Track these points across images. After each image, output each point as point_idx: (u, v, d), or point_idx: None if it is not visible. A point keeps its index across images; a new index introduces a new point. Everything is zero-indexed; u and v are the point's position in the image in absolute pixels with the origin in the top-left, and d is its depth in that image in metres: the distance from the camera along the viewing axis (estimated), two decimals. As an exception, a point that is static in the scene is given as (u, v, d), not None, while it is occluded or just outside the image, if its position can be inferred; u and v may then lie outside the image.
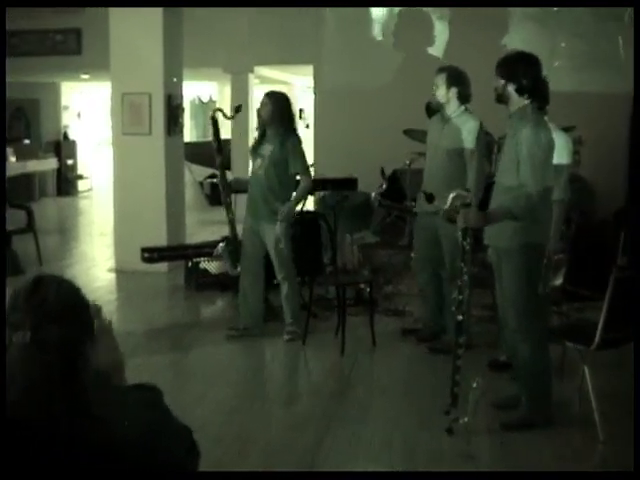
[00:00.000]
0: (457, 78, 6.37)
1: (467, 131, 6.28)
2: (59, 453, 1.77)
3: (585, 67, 11.04)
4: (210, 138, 7.34)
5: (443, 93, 6.35)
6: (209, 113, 7.65)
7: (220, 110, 7.42)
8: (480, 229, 4.99)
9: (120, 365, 2.13)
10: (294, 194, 6.81)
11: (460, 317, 4.88)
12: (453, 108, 6.38)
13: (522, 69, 4.85)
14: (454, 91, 6.32)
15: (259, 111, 6.86)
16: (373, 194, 7.35)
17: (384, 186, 7.75)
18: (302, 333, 6.84)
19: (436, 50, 11.85)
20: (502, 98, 4.94)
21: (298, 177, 6.83)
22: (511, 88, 4.85)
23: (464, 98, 6.38)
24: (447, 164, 6.32)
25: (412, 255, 7.08)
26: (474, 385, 4.77)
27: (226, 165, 8.37)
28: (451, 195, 4.79)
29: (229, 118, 7.51)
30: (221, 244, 7.42)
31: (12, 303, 1.87)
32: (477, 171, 6.22)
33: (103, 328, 2.06)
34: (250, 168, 7.21)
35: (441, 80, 6.36)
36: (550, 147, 4.80)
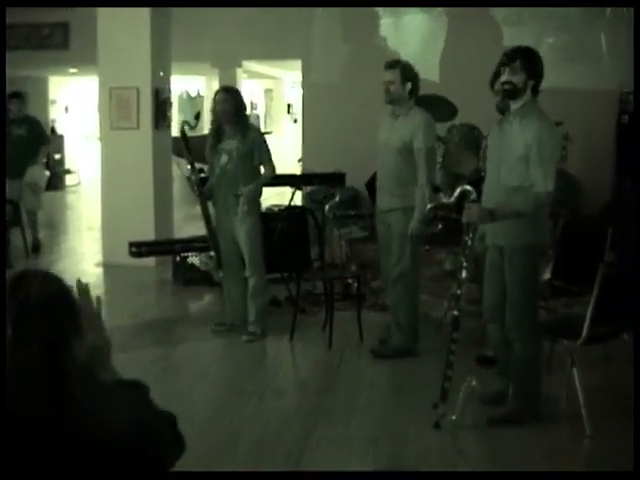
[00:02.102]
0: (411, 73, 6.17)
1: (417, 128, 6.06)
2: (47, 450, 1.76)
3: (567, 62, 11.05)
4: (198, 133, 7.33)
5: (398, 89, 6.12)
6: (196, 110, 7.66)
7: (186, 122, 7.39)
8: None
9: (107, 348, 2.13)
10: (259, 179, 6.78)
11: (456, 313, 4.89)
12: (405, 104, 6.18)
13: (541, 66, 4.80)
14: (408, 86, 6.13)
15: (216, 107, 6.79)
16: (327, 207, 7.26)
17: (337, 198, 7.70)
18: (262, 333, 6.85)
19: (427, 46, 11.85)
20: (518, 93, 4.77)
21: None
22: (530, 84, 4.74)
23: (414, 93, 6.20)
24: (398, 162, 6.13)
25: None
26: (465, 383, 4.78)
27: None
28: (457, 190, 4.78)
29: (193, 128, 7.48)
30: (207, 254, 7.40)
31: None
32: (427, 169, 6.03)
33: (88, 309, 2.06)
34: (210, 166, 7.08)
35: (394, 75, 6.12)
36: (559, 145, 4.77)
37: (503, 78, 4.82)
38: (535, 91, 4.79)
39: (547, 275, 6.70)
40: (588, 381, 5.06)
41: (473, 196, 4.71)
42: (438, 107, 9.32)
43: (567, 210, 9.66)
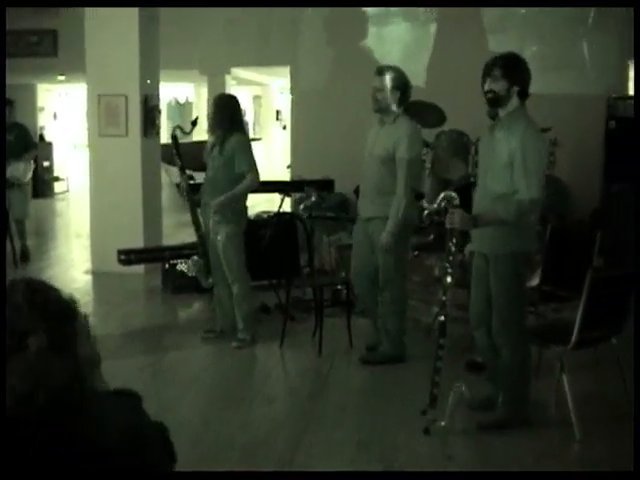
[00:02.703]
0: (400, 80, 6.09)
1: (401, 138, 6.00)
2: (45, 454, 1.76)
3: (554, 69, 11.09)
4: (187, 140, 7.32)
5: (387, 97, 6.06)
6: (185, 117, 7.66)
7: (179, 127, 7.38)
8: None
9: (97, 360, 2.13)
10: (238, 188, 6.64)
11: (442, 318, 4.89)
12: (392, 112, 6.12)
13: (526, 71, 4.80)
14: (397, 95, 6.06)
15: (208, 115, 6.81)
16: (301, 206, 7.24)
17: (313, 198, 7.70)
18: (252, 340, 6.83)
19: (410, 54, 11.88)
20: (501, 101, 4.79)
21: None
22: (514, 90, 4.75)
23: (403, 101, 6.12)
24: (381, 170, 6.09)
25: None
26: (454, 389, 4.79)
27: (202, 167, 8.35)
28: (440, 196, 4.78)
29: (187, 133, 7.48)
30: (192, 258, 7.39)
31: (11, 307, 1.86)
32: (406, 180, 5.97)
33: (82, 322, 2.06)
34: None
35: (383, 82, 6.06)
36: (545, 152, 4.77)
37: (485, 87, 4.85)
38: (523, 97, 4.79)
39: (536, 281, 6.72)
40: (577, 386, 5.08)
41: (456, 201, 4.70)
42: (427, 113, 9.35)
43: (555, 215, 9.69)
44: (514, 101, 4.78)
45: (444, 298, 4.87)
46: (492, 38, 11.43)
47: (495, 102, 4.83)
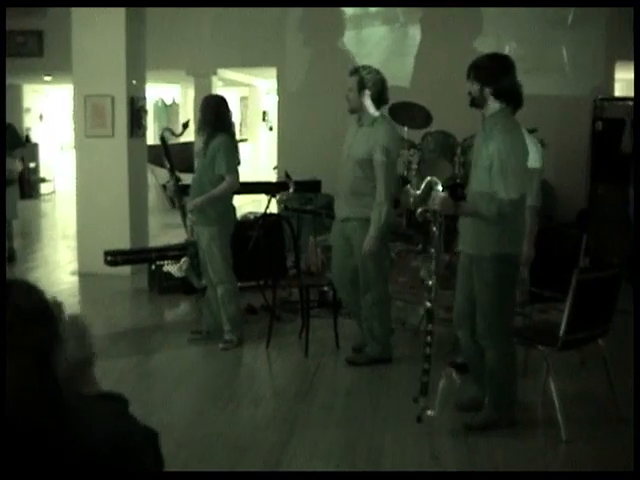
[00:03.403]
0: (370, 80, 6.02)
1: (378, 141, 5.95)
2: (34, 459, 1.75)
3: (537, 71, 11.13)
4: (174, 141, 7.31)
5: (355, 97, 6.05)
6: (171, 117, 7.66)
7: (169, 129, 7.38)
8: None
9: (88, 362, 2.12)
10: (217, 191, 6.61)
11: (429, 304, 4.88)
12: (367, 113, 6.07)
13: (499, 72, 4.80)
14: (366, 94, 6.02)
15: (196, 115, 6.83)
16: (277, 196, 7.21)
17: (291, 190, 7.68)
18: (238, 341, 6.82)
19: (402, 53, 11.90)
20: (477, 102, 4.84)
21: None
22: (488, 92, 4.78)
23: (379, 102, 6.08)
24: (356, 172, 6.04)
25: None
26: (444, 374, 4.80)
27: (190, 168, 8.36)
28: (425, 181, 4.78)
29: (178, 135, 7.47)
30: (183, 260, 7.38)
31: None
32: (386, 184, 5.94)
33: (65, 326, 2.05)
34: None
35: (352, 83, 6.04)
36: (525, 154, 4.78)
37: (466, 90, 4.90)
38: (502, 99, 4.80)
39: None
40: (564, 387, 5.09)
41: (439, 186, 4.70)
42: (413, 114, 9.38)
43: (542, 216, 9.72)
44: (493, 103, 4.80)
45: (430, 283, 4.87)
46: (477, 40, 11.48)
47: (472, 103, 4.90)
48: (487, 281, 4.81)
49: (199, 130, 6.76)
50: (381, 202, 5.93)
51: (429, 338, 4.88)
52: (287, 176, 8.09)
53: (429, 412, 4.84)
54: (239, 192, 6.98)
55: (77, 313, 2.16)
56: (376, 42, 12.10)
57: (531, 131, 9.64)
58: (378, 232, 5.96)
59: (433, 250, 4.86)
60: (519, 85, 4.84)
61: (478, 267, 4.85)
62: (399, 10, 11.92)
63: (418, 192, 4.83)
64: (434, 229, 4.81)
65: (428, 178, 4.76)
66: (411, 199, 5.03)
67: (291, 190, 7.78)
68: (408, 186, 5.07)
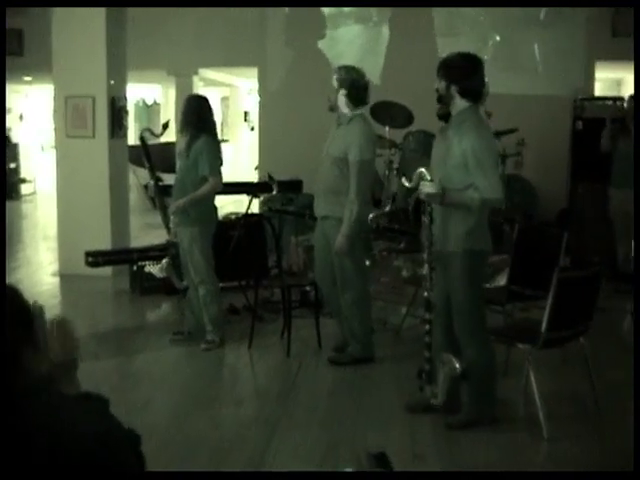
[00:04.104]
0: (348, 79, 6.09)
1: (353, 140, 6.01)
2: (21, 460, 1.75)
3: (517, 71, 11.18)
4: (155, 141, 7.30)
5: (334, 96, 6.12)
6: (153, 118, 7.66)
7: (148, 129, 7.37)
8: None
9: (70, 365, 2.12)
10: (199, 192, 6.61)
11: (426, 294, 4.90)
12: (344, 112, 6.13)
13: (466, 71, 4.85)
14: (343, 93, 6.07)
15: (178, 116, 6.81)
16: (261, 197, 7.23)
17: (275, 191, 7.70)
18: (220, 341, 6.81)
19: (378, 54, 11.91)
20: (444, 100, 4.91)
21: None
22: (454, 90, 4.85)
23: (357, 101, 6.12)
24: (333, 170, 6.08)
25: None
26: (441, 365, 4.81)
27: (170, 168, 8.34)
28: (416, 173, 4.82)
29: (158, 136, 7.45)
30: (164, 260, 7.37)
31: None
32: (358, 183, 5.96)
33: (45, 328, 2.05)
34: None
35: (333, 81, 6.13)
36: (496, 150, 4.84)
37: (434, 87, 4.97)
38: (469, 97, 4.85)
39: (504, 280, 6.76)
40: (545, 385, 5.12)
41: (427, 177, 4.73)
42: (394, 114, 9.40)
43: (523, 215, 9.77)
44: (459, 101, 4.86)
45: (425, 272, 4.89)
46: (456, 39, 11.50)
47: (439, 101, 4.97)
48: (458, 277, 4.86)
49: (181, 131, 6.75)
50: (352, 200, 5.96)
51: (428, 326, 4.90)
52: (270, 178, 8.09)
53: (433, 401, 4.88)
54: (221, 192, 6.97)
55: (62, 315, 2.16)
56: (350, 41, 12.10)
57: (511, 131, 9.72)
58: (350, 230, 5.98)
59: (425, 240, 4.89)
60: (485, 84, 4.90)
61: (450, 264, 4.90)
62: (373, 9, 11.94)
63: (411, 184, 4.87)
64: (424, 218, 4.85)
65: (419, 170, 4.80)
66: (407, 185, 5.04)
67: (274, 192, 7.78)
68: (403, 179, 5.07)
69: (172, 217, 6.69)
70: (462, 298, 4.88)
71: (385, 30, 11.75)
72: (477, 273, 4.94)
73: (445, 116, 5.07)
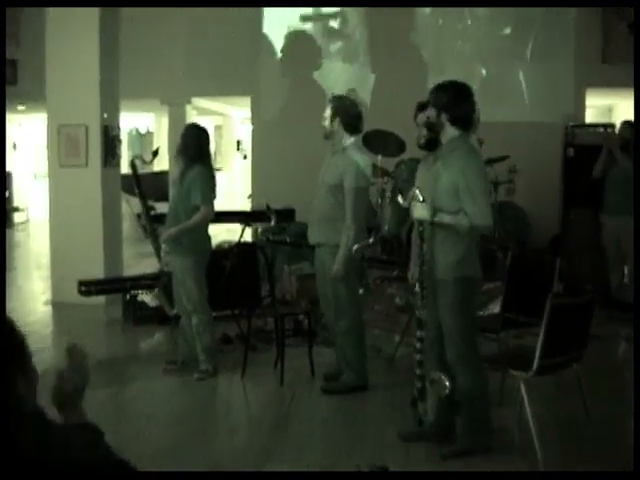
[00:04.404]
0: (342, 108, 6.19)
1: (348, 167, 6.07)
2: None
3: (507, 99, 11.27)
4: (147, 170, 7.31)
5: (327, 124, 6.19)
6: (146, 146, 7.68)
7: (139, 157, 7.39)
8: None
9: (82, 390, 2.12)
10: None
11: (418, 313, 4.89)
12: (339, 140, 6.20)
13: (456, 99, 4.88)
14: (338, 122, 6.14)
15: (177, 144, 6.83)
16: (259, 229, 7.27)
17: (273, 222, 7.72)
18: (213, 371, 6.79)
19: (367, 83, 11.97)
20: (434, 127, 4.93)
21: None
22: (444, 117, 4.87)
23: (352, 129, 6.21)
24: (328, 197, 6.15)
25: None
26: (430, 383, 4.80)
27: (163, 197, 8.34)
28: (409, 194, 4.83)
29: (148, 163, 7.47)
30: (156, 290, 7.35)
31: None
32: (354, 210, 6.02)
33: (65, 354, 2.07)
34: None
35: (327, 110, 6.21)
36: (487, 177, 4.85)
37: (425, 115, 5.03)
38: (459, 125, 4.87)
39: (497, 308, 6.75)
40: (540, 412, 5.10)
41: (420, 198, 4.74)
42: (386, 142, 9.41)
43: (515, 242, 9.77)
44: (450, 129, 4.89)
45: (417, 290, 4.89)
46: (449, 69, 11.59)
47: (429, 129, 5.01)
48: (449, 305, 4.86)
49: (177, 158, 6.77)
50: (349, 226, 6.00)
51: (419, 345, 4.89)
52: (268, 208, 8.09)
53: (429, 417, 4.87)
54: (214, 221, 6.97)
55: (75, 342, 2.16)
56: (342, 72, 12.20)
57: (502, 158, 9.75)
58: (346, 256, 6.01)
59: (415, 258, 4.90)
60: (476, 112, 4.93)
61: (442, 291, 4.90)
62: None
63: (404, 202, 4.90)
64: (415, 238, 4.86)
65: (411, 192, 4.82)
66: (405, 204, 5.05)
67: (272, 222, 7.79)
68: (399, 197, 5.09)
69: (163, 245, 6.68)
70: (454, 326, 4.87)
71: (381, 61, 11.86)
72: (468, 301, 4.93)
73: (428, 145, 5.11)
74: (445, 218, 4.78)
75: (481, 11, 11.68)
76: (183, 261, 6.64)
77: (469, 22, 11.83)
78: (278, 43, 12.56)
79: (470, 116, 4.90)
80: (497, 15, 11.73)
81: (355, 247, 5.97)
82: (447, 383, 4.74)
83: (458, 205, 4.74)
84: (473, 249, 4.91)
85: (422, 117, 5.30)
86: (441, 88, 4.98)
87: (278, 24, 12.52)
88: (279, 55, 12.50)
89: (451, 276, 4.83)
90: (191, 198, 6.56)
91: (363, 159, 6.22)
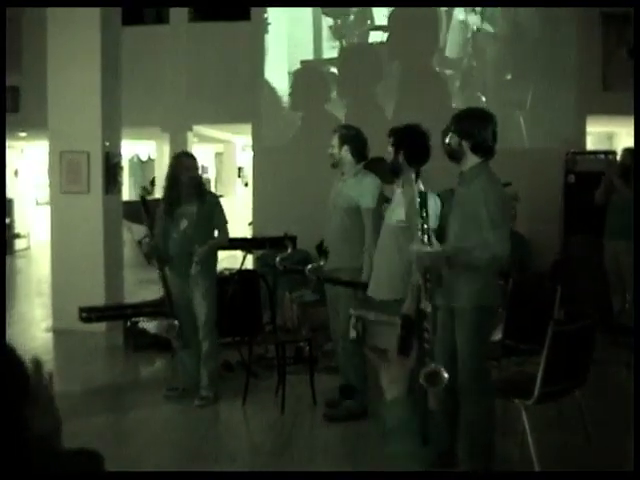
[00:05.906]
0: (349, 136, 6.36)
1: (363, 190, 6.22)
2: None
3: (510, 125, 11.29)
4: (150, 197, 7.34)
5: (336, 152, 6.33)
6: (147, 174, 7.74)
7: (144, 188, 7.47)
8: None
9: (57, 427, 2.09)
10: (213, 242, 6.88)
11: (422, 306, 4.78)
12: (348, 167, 6.34)
13: (478, 126, 4.84)
14: (346, 149, 6.30)
15: (179, 172, 6.80)
16: (277, 258, 7.29)
17: (289, 250, 7.74)
18: (214, 397, 6.80)
19: (382, 109, 12.00)
20: (455, 155, 4.88)
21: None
22: (466, 145, 4.83)
23: (359, 156, 6.36)
24: (344, 223, 6.25)
25: None
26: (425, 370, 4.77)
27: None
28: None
29: (149, 193, 7.54)
30: (167, 321, 7.32)
31: None
32: (373, 229, 6.08)
33: (41, 386, 2.04)
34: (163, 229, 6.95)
35: (334, 139, 6.36)
36: (507, 207, 4.80)
37: (446, 141, 4.96)
38: (480, 152, 4.84)
39: (499, 335, 6.73)
40: (541, 439, 5.07)
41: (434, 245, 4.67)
42: (385, 169, 9.41)
43: (517, 269, 9.76)
44: (471, 157, 4.84)
45: (419, 282, 4.77)
46: (452, 96, 11.62)
47: (450, 156, 4.94)
48: (471, 332, 4.80)
49: (190, 188, 6.80)
50: (370, 246, 6.04)
51: (426, 335, 4.79)
52: (286, 236, 8.11)
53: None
54: (233, 247, 7.10)
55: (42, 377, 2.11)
56: (350, 101, 12.24)
57: (505, 185, 9.75)
58: (368, 275, 6.00)
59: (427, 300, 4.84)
60: (495, 139, 4.89)
61: (461, 319, 4.84)
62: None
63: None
64: (426, 285, 4.71)
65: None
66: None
67: (289, 250, 7.80)
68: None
69: (195, 266, 6.67)
70: (472, 353, 4.81)
71: (386, 87, 11.91)
72: (486, 328, 4.91)
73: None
74: (458, 260, 4.73)
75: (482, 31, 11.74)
76: (204, 284, 6.75)
77: (470, 45, 11.86)
78: (279, 70, 12.58)
79: (491, 144, 4.87)
80: (500, 55, 11.80)
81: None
82: (445, 375, 4.68)
83: (478, 236, 4.70)
84: (492, 277, 4.89)
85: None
86: (463, 115, 4.96)
87: (279, 62, 12.55)
88: (279, 82, 12.52)
89: (471, 304, 4.78)
90: (214, 223, 6.85)
91: (376, 181, 6.33)
